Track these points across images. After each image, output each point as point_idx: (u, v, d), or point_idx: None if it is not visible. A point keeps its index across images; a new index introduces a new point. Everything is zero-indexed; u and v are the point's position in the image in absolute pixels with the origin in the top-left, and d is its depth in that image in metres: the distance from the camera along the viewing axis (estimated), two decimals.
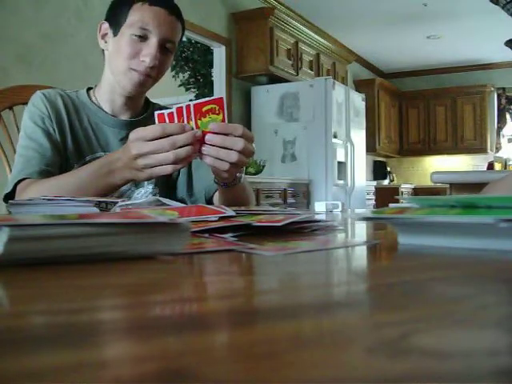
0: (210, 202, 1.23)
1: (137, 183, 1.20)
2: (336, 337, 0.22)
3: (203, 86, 5.46)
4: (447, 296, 0.32)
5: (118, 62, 1.15)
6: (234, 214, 0.70)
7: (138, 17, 1.12)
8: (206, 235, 0.61)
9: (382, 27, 5.90)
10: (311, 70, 5.05)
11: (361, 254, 0.56)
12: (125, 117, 1.25)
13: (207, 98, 0.88)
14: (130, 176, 0.92)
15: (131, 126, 1.21)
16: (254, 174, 4.04)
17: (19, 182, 1.08)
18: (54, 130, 1.16)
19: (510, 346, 0.21)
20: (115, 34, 1.15)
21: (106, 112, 1.24)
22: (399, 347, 0.21)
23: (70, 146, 1.18)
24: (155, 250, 0.45)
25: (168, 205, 0.78)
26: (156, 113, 0.87)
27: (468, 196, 0.55)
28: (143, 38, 1.13)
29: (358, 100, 5.10)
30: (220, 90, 4.46)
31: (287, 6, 5.14)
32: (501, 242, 0.48)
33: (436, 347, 0.21)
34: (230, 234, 0.63)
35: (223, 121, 0.88)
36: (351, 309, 0.29)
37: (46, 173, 1.10)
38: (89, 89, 1.27)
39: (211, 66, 4.90)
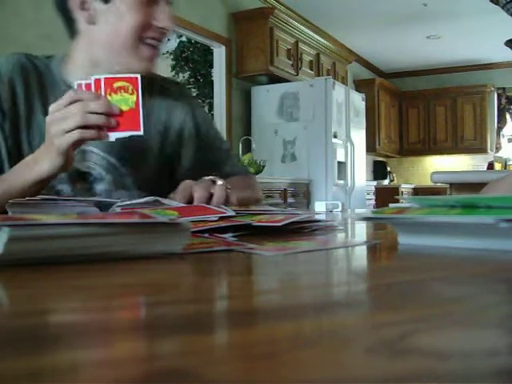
0: None
1: (118, 185, 1.05)
2: (336, 337, 0.22)
3: (203, 85, 5.47)
4: (447, 296, 0.32)
5: (121, 36, 0.93)
6: (234, 213, 0.70)
7: None
8: (206, 235, 0.61)
9: (382, 27, 5.90)
10: (311, 69, 5.04)
11: (361, 254, 0.56)
12: None
13: (121, 75, 0.82)
14: (49, 155, 0.82)
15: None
16: (254, 174, 4.04)
17: None
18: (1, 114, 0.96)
19: (509, 346, 0.21)
20: (109, 4, 0.93)
21: None
22: (399, 347, 0.21)
23: (23, 136, 0.98)
24: (155, 250, 0.45)
25: (167, 205, 0.78)
26: (75, 82, 0.82)
27: (468, 196, 0.55)
28: (151, 1, 0.93)
29: (358, 100, 5.09)
30: (220, 89, 4.46)
31: (287, 6, 5.14)
32: (501, 242, 0.48)
33: (436, 347, 0.21)
34: (230, 234, 0.63)
35: (137, 103, 0.82)
36: (351, 309, 0.29)
37: None
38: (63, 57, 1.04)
39: (211, 65, 4.90)
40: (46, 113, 0.86)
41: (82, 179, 1.03)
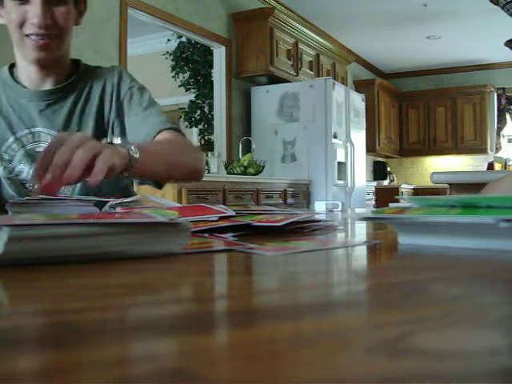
0: None
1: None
2: (336, 337, 0.22)
3: (203, 86, 5.46)
4: (447, 296, 0.32)
5: (13, 33, 1.07)
6: (234, 213, 0.70)
7: None
8: (206, 235, 0.61)
9: (382, 27, 5.90)
10: (311, 70, 5.05)
11: (361, 254, 0.56)
12: (48, 86, 1.17)
13: None
14: None
15: (52, 94, 1.17)
16: (254, 175, 4.04)
17: None
18: None
19: (509, 345, 0.21)
20: (2, 4, 1.08)
21: (23, 86, 1.17)
22: (399, 347, 0.21)
23: None
24: (155, 250, 0.45)
25: (158, 202, 0.78)
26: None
27: (468, 196, 0.55)
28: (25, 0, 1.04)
29: (358, 100, 5.09)
30: (220, 90, 4.46)
31: (287, 7, 5.14)
32: (501, 242, 0.48)
33: (436, 347, 0.21)
34: (230, 234, 0.63)
35: None
36: (351, 309, 0.29)
37: None
38: (12, 65, 1.20)
39: (211, 66, 4.90)
40: (0, 112, 1.13)
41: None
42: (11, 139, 1.15)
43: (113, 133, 1.18)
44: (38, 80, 1.17)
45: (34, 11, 1.03)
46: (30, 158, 1.15)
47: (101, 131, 1.17)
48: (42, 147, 1.11)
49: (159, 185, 1.11)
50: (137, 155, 0.83)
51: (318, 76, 5.06)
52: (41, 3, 1.03)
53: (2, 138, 1.15)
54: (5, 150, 1.16)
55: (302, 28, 4.81)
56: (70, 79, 1.19)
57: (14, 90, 1.17)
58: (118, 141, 0.87)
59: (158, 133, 1.10)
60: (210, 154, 4.08)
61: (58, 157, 0.69)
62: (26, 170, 1.15)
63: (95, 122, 1.18)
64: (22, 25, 1.05)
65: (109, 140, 0.89)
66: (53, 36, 1.08)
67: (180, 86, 5.58)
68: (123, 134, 1.17)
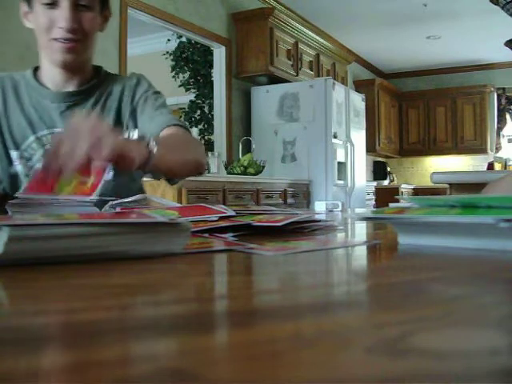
0: None
1: None
2: (336, 337, 0.22)
3: (203, 86, 5.46)
4: (447, 296, 0.32)
5: (40, 36, 1.13)
6: (234, 213, 0.70)
7: None
8: (206, 235, 0.61)
9: (382, 27, 5.90)
10: (311, 70, 5.04)
11: (361, 254, 0.56)
12: (70, 89, 1.22)
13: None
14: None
15: (73, 96, 1.21)
16: (254, 175, 4.04)
17: None
18: None
19: (509, 345, 0.21)
20: (31, 9, 1.13)
21: (46, 88, 1.22)
22: (399, 347, 0.21)
23: (6, 134, 1.18)
24: (155, 250, 0.45)
25: (158, 202, 0.78)
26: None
27: (468, 196, 0.55)
28: (54, 4, 1.09)
29: (358, 100, 5.09)
30: (220, 90, 4.46)
31: (287, 7, 5.14)
32: (501, 242, 0.48)
33: (436, 347, 0.21)
34: (230, 234, 0.63)
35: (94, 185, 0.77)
36: (351, 309, 0.29)
37: None
38: (36, 68, 1.25)
39: (211, 66, 4.90)
40: (23, 111, 1.17)
41: None
42: (32, 138, 1.19)
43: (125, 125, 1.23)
44: (61, 82, 1.21)
45: (62, 16, 1.08)
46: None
47: (118, 123, 1.22)
48: None
49: (171, 181, 1.16)
50: (155, 150, 0.87)
51: (318, 76, 5.06)
52: (69, 8, 1.08)
53: (23, 137, 1.19)
54: (25, 149, 1.19)
55: (302, 28, 4.81)
56: (91, 83, 1.24)
57: (37, 91, 1.22)
58: (135, 135, 0.89)
59: (163, 128, 1.14)
60: (210, 154, 4.07)
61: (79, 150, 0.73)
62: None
63: (113, 125, 1.22)
64: (49, 28, 1.10)
65: (127, 135, 0.92)
66: (79, 40, 1.13)
67: (180, 85, 5.58)
68: (134, 119, 1.22)
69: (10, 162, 1.19)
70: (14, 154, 1.18)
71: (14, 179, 1.20)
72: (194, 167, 1.12)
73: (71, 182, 0.78)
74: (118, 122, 1.23)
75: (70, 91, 1.22)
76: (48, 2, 1.09)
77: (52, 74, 1.21)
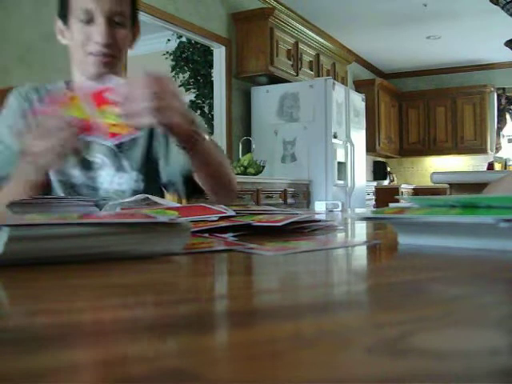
0: (193, 184, 1.23)
1: (118, 169, 1.23)
2: (336, 337, 0.22)
3: (203, 86, 5.46)
4: (447, 296, 0.32)
5: (76, 51, 1.17)
6: (234, 213, 0.70)
7: (77, 1, 1.15)
8: (206, 235, 0.61)
9: (382, 27, 5.90)
10: (311, 70, 5.04)
11: (361, 254, 0.56)
12: None
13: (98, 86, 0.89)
14: (36, 173, 0.95)
15: None
16: (254, 175, 4.04)
17: None
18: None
19: (509, 345, 0.21)
20: (66, 26, 1.18)
21: None
22: (399, 347, 0.21)
23: None
24: (155, 250, 0.45)
25: (158, 203, 0.78)
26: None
27: (468, 196, 0.55)
28: (90, 21, 1.14)
29: (358, 100, 5.09)
30: (220, 90, 4.46)
31: (287, 7, 5.14)
32: (501, 242, 0.48)
33: (436, 347, 0.21)
34: (230, 234, 0.63)
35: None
36: (351, 309, 0.29)
37: (6, 179, 1.12)
38: (68, 82, 1.30)
39: (211, 66, 4.90)
40: None
41: (88, 167, 1.20)
42: None
43: (158, 142, 1.28)
44: None
45: (98, 31, 1.14)
46: (82, 164, 1.22)
47: (151, 136, 1.26)
48: (93, 157, 1.21)
49: (201, 192, 1.22)
50: (204, 135, 0.98)
51: (318, 76, 5.06)
52: (105, 25, 1.14)
53: None
54: None
55: (302, 28, 4.81)
56: None
57: None
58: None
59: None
60: None
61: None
62: (77, 175, 1.21)
63: (147, 138, 1.27)
64: (86, 44, 1.15)
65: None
66: (112, 55, 1.18)
67: (180, 86, 5.57)
68: (166, 140, 1.25)
69: None
70: None
71: (46, 184, 1.22)
72: (227, 183, 1.16)
73: (105, 116, 0.87)
74: (151, 134, 1.26)
75: None
76: (85, 18, 1.14)
77: None
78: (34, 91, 1.23)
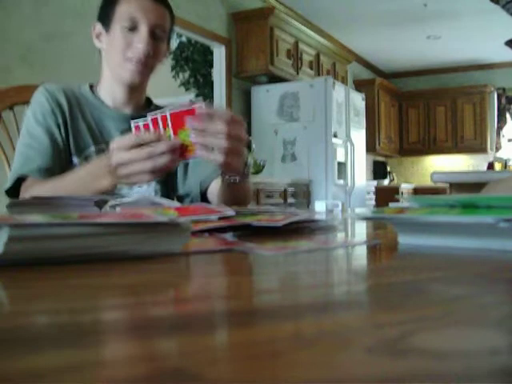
0: (204, 195, 1.26)
1: None
2: (336, 337, 0.22)
3: (203, 86, 5.47)
4: (447, 296, 0.32)
5: (114, 55, 1.20)
6: (233, 213, 0.70)
7: (125, 9, 1.18)
8: (206, 235, 0.61)
9: (382, 27, 5.90)
10: (311, 69, 5.04)
11: (361, 254, 0.56)
12: (127, 111, 1.29)
13: (181, 108, 0.88)
14: (113, 182, 0.95)
15: (134, 118, 1.26)
16: (254, 174, 4.04)
17: (21, 179, 1.12)
18: (56, 125, 1.21)
19: (509, 345, 0.21)
20: (107, 30, 1.21)
21: (107, 106, 1.28)
22: (399, 347, 0.21)
23: (71, 140, 1.22)
24: (155, 250, 0.45)
25: (159, 203, 0.78)
26: (132, 122, 0.90)
27: (468, 196, 0.55)
28: (133, 28, 1.17)
29: (358, 100, 5.09)
30: (220, 89, 4.46)
31: (287, 6, 5.13)
32: (501, 242, 0.48)
33: (436, 347, 0.21)
34: (230, 234, 0.63)
35: None
36: (351, 309, 0.29)
37: (45, 171, 1.13)
38: (91, 85, 1.31)
39: (211, 65, 4.90)
40: (84, 121, 1.23)
41: None
42: (92, 148, 1.24)
43: (176, 171, 1.30)
44: (121, 100, 1.28)
45: (141, 38, 1.17)
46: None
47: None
48: None
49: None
50: (249, 169, 1.03)
51: (318, 75, 5.05)
52: (147, 33, 1.17)
53: (85, 145, 1.24)
54: (85, 156, 1.23)
55: (302, 27, 4.81)
56: (151, 107, 1.31)
57: (97, 107, 1.27)
58: None
59: None
60: None
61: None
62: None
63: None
64: (126, 49, 1.18)
65: None
66: (148, 65, 1.21)
67: (180, 85, 5.58)
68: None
69: (72, 167, 1.23)
70: (75, 160, 1.22)
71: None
72: (243, 203, 1.18)
73: (184, 139, 0.87)
74: None
75: (128, 113, 1.28)
76: (130, 26, 1.17)
77: (113, 92, 1.27)
78: (60, 93, 1.23)
